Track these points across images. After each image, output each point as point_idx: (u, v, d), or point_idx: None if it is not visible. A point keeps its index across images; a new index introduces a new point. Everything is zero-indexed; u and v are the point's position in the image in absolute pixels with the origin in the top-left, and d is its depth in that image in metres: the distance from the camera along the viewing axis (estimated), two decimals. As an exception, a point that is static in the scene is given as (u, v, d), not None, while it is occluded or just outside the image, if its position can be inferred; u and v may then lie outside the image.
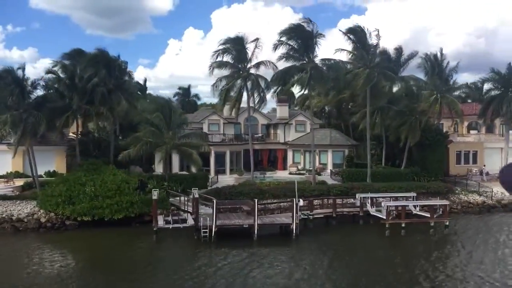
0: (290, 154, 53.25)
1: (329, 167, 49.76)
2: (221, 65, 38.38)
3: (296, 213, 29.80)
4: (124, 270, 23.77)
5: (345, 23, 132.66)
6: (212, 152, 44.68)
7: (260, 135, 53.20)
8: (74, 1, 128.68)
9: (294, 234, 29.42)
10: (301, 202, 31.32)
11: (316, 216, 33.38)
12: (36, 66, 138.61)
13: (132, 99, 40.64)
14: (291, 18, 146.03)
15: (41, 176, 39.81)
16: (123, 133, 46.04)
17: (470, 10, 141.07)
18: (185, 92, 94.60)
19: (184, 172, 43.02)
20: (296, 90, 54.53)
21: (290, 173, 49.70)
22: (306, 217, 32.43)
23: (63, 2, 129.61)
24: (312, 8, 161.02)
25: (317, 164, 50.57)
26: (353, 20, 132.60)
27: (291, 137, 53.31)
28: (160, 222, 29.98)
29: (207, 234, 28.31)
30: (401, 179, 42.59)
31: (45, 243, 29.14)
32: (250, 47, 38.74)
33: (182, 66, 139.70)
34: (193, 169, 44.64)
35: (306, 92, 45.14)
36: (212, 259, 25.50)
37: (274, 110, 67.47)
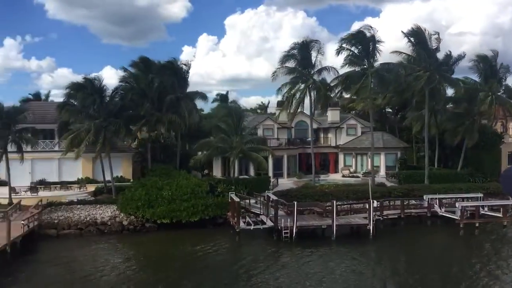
0: (341, 157, 54.09)
1: (382, 169, 50.41)
2: (290, 71, 39.63)
3: (372, 214, 30.69)
4: (216, 270, 25.08)
5: (359, 26, 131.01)
6: (270, 156, 45.93)
7: (311, 139, 54.21)
8: (91, 11, 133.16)
9: (371, 235, 30.28)
10: (375, 203, 32.16)
11: (384, 217, 34.19)
12: (53, 76, 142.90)
13: (195, 106, 42.27)
14: (304, 22, 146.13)
15: (108, 181, 41.70)
16: (187, 139, 47.70)
17: (486, 9, 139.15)
18: (223, 98, 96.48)
19: (245, 176, 44.31)
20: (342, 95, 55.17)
21: (343, 176, 50.51)
22: (379, 218, 33.25)
23: (81, 12, 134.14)
24: (326, 11, 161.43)
25: (369, 166, 51.38)
26: (367, 23, 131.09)
27: (342, 141, 54.14)
28: (241, 223, 31.23)
29: (288, 234, 29.47)
30: (457, 180, 42.99)
31: (131, 244, 30.85)
32: (313, 53, 39.95)
33: (196, 72, 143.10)
34: (252, 173, 46.03)
35: (351, 95, 46.06)
36: (297, 258, 26.63)
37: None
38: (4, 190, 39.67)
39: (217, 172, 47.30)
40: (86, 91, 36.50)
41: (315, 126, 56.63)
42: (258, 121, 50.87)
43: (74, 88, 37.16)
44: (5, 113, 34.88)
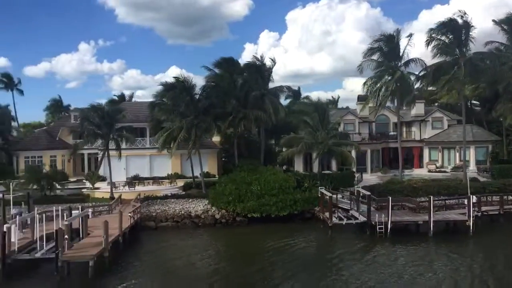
0: (426, 151, 52.11)
1: (472, 164, 47.90)
2: (378, 65, 38.88)
3: (471, 209, 29.39)
4: (310, 263, 25.26)
5: (427, 15, 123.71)
6: (353, 151, 45.34)
7: (393, 133, 52.70)
8: (157, 13, 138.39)
9: (471, 231, 29.02)
10: (474, 199, 30.75)
11: (483, 213, 32.58)
12: (123, 77, 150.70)
13: (279, 101, 42.80)
14: (368, 13, 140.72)
15: (196, 177, 43.45)
16: (270, 134, 48.50)
17: None
18: (295, 94, 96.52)
19: (328, 171, 44.14)
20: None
21: (430, 171, 48.59)
22: (477, 214, 31.74)
23: (148, 14, 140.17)
24: (390, 1, 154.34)
25: (457, 161, 49.11)
26: (436, 11, 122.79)
27: (427, 134, 52.10)
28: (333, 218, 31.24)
29: (382, 230, 29.05)
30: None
31: (224, 236, 32.10)
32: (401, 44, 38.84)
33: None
34: (334, 168, 45.74)
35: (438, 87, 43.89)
36: (392, 254, 26.17)
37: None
38: (104, 185, 42.92)
39: (298, 167, 47.52)
40: (177, 90, 38.26)
41: (396, 119, 55.12)
42: (339, 116, 50.35)
43: (166, 88, 39.09)
44: (107, 113, 37.54)
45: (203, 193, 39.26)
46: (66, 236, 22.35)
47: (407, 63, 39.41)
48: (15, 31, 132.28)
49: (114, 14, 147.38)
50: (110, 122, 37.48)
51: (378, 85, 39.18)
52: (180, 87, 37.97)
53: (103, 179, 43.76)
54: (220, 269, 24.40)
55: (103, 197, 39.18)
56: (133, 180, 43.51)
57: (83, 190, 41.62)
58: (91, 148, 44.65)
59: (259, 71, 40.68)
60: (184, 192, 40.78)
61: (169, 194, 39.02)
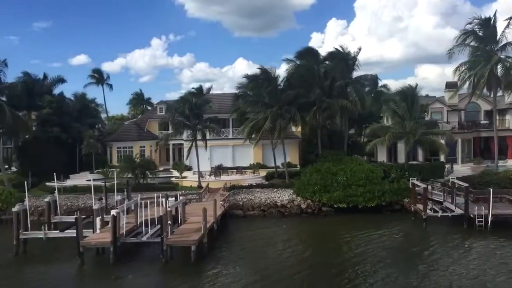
0: (522, 141, 48.54)
1: None
2: (473, 50, 36.65)
3: None
4: (407, 256, 24.50)
5: None
6: (442, 141, 43.27)
7: (485, 122, 49.57)
8: (224, 6, 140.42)
9: None
10: None
11: None
12: (193, 70, 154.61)
13: (364, 90, 41.84)
14: None
15: (278, 167, 43.83)
16: (354, 124, 47.73)
17: None
18: (371, 83, 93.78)
19: (414, 162, 42.52)
20: None
21: (528, 162, 45.25)
22: None
23: (215, 8, 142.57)
24: None
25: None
26: None
27: (524, 122, 48.52)
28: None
29: (482, 223, 27.53)
30: None
31: (312, 226, 32.14)
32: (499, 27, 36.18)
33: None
34: (420, 159, 43.96)
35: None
36: (493, 248, 24.74)
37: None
38: (190, 174, 44.68)
39: (381, 157, 46.34)
40: (260, 81, 38.67)
41: (488, 107, 51.72)
42: (426, 104, 48.18)
43: (250, 79, 39.65)
44: (195, 104, 38.90)
45: (287, 183, 39.56)
46: (169, 222, 23.56)
47: (504, 47, 36.66)
48: (94, 29, 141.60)
49: (184, 9, 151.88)
50: (198, 113, 38.82)
51: (473, 71, 36.82)
52: (263, 78, 38.32)
53: (189, 168, 45.53)
54: (308, 258, 24.52)
55: (191, 185, 40.82)
56: (217, 170, 44.84)
57: (171, 179, 43.68)
58: (175, 139, 46.67)
59: (344, 59, 39.96)
60: (267, 182, 41.37)
61: (254, 184, 39.73)
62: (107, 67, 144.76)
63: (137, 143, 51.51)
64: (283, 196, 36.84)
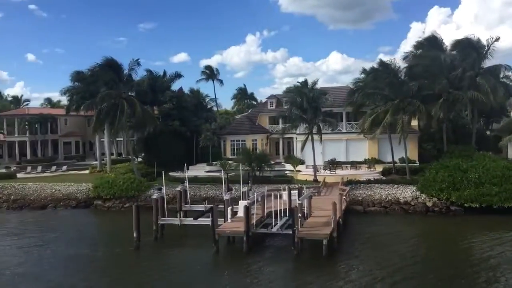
0: None
1: None
2: None
3: None
4: None
5: None
6: None
7: None
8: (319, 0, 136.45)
9: None
10: None
11: None
12: (286, 65, 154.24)
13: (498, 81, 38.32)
14: None
15: (395, 162, 41.95)
16: (483, 117, 44.25)
17: None
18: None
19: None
20: None
21: None
22: None
23: (310, 2, 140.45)
24: None
25: None
26: None
27: None
28: None
29: None
30: None
31: (440, 226, 30.18)
32: None
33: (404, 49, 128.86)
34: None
35: None
36: None
37: None
38: (303, 168, 44.67)
39: (511, 153, 42.30)
40: (380, 73, 37.25)
41: None
42: None
43: (368, 72, 38.43)
44: (312, 97, 38.69)
45: (407, 179, 37.75)
46: (299, 215, 23.63)
47: None
48: (193, 29, 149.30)
49: (278, 5, 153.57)
50: (316, 106, 38.56)
51: None
52: (384, 70, 36.84)
53: (301, 162, 45.54)
54: (435, 258, 23.06)
55: (306, 179, 40.74)
56: (330, 164, 44.28)
57: (285, 172, 44.05)
58: (286, 132, 46.97)
59: (474, 48, 36.91)
60: (384, 178, 39.86)
61: (372, 179, 38.50)
62: (204, 63, 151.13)
63: (249, 136, 52.82)
64: (405, 192, 35.18)
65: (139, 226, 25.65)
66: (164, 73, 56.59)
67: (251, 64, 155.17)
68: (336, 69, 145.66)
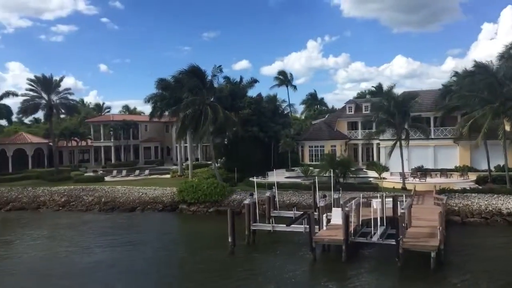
0: None
1: None
2: None
3: None
4: None
5: None
6: None
7: None
8: (383, 2, 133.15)
9: None
10: None
11: None
12: (348, 70, 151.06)
13: None
14: None
15: (491, 170, 39.05)
16: None
17: None
18: None
19: None
20: None
21: None
22: None
23: (373, 5, 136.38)
24: None
25: None
26: None
27: None
28: None
29: None
30: None
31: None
32: None
33: (498, 51, 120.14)
34: None
35: None
36: None
37: None
38: (387, 175, 42.90)
39: None
40: (477, 76, 34.92)
41: None
42: None
43: (463, 75, 36.20)
44: (401, 102, 37.07)
45: (508, 188, 34.95)
46: (403, 224, 22.43)
47: None
48: (254, 36, 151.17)
49: (339, 10, 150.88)
50: (405, 111, 36.89)
51: None
52: (480, 71, 34.47)
53: (386, 169, 43.80)
54: None
55: (393, 187, 39.02)
56: (418, 171, 42.16)
57: (369, 179, 42.54)
58: (364, 138, 45.54)
59: None
60: (480, 187, 37.19)
61: (468, 188, 36.07)
62: (265, 71, 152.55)
63: (328, 142, 51.86)
64: (507, 203, 32.55)
65: (234, 231, 25.71)
66: (241, 79, 57.09)
67: (312, 70, 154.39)
68: (400, 74, 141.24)
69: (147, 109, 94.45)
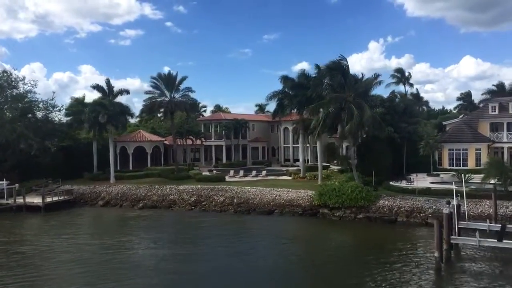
0: None
1: None
2: None
3: None
4: None
5: None
6: None
7: None
8: (449, 1, 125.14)
9: None
10: None
11: None
12: (411, 71, 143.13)
13: None
14: None
15: None
16: None
17: None
18: None
19: None
20: None
21: None
22: None
23: (439, 4, 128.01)
24: None
25: None
26: None
27: None
28: None
29: None
30: None
31: None
32: None
33: None
34: None
35: None
36: None
37: None
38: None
39: None
40: None
41: None
42: None
43: None
44: None
45: None
46: None
47: None
48: (314, 37, 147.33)
49: (403, 9, 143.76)
50: None
51: None
52: None
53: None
54: None
55: None
56: None
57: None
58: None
59: None
60: None
61: None
62: None
63: (472, 145, 46.65)
64: None
65: (441, 244, 22.23)
66: (362, 76, 53.40)
67: (373, 71, 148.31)
68: (468, 75, 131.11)
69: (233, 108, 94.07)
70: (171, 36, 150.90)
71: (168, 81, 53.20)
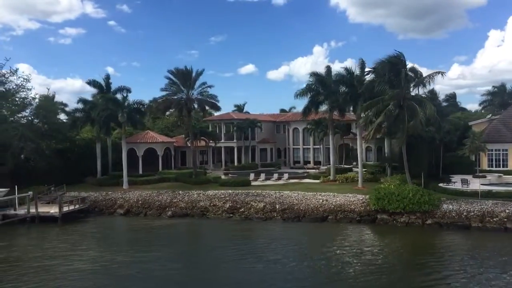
0: None
1: None
2: None
3: None
4: None
5: None
6: None
7: None
8: (389, 8, 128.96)
9: None
10: None
11: None
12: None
13: None
14: None
15: None
16: None
17: None
18: None
19: None
20: None
21: None
22: None
23: (379, 11, 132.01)
24: None
25: None
26: None
27: None
28: None
29: None
30: None
31: None
32: None
33: (504, 58, 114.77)
34: None
35: None
36: None
37: None
38: None
39: None
40: None
41: None
42: None
43: None
44: None
45: None
46: None
47: None
48: (260, 40, 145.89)
49: (345, 15, 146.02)
50: None
51: None
52: None
53: None
54: None
55: None
56: None
57: None
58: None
59: None
60: None
61: None
62: (271, 75, 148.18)
63: (512, 145, 45.34)
64: None
65: None
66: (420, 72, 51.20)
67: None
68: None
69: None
70: (114, 35, 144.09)
71: (185, 77, 48.57)
